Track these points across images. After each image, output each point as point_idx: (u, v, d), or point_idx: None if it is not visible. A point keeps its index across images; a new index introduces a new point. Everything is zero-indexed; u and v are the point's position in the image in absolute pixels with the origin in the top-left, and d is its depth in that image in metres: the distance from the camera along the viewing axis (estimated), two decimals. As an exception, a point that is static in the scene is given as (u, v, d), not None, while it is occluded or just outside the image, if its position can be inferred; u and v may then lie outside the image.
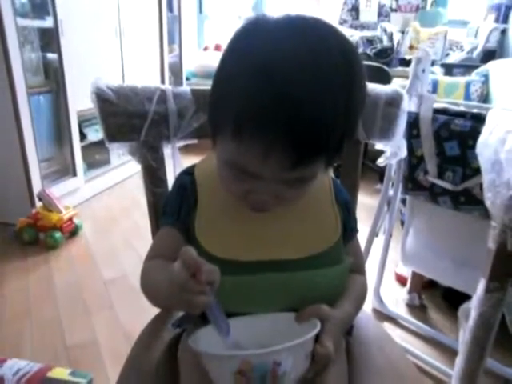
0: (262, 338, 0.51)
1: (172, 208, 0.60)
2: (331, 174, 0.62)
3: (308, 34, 0.44)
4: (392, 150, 0.76)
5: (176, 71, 3.50)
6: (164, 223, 0.61)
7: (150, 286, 0.58)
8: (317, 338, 0.49)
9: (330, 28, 0.47)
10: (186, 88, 0.71)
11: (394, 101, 0.73)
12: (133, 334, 0.71)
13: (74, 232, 2.05)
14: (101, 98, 0.66)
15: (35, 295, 1.60)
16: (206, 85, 0.55)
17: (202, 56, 3.76)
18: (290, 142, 0.42)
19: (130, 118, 0.67)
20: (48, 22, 2.10)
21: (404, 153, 0.76)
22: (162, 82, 3.23)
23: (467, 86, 2.19)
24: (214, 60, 3.52)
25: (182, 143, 0.72)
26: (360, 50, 2.91)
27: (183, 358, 0.58)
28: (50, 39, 2.16)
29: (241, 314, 0.54)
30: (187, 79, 3.61)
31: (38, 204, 2.01)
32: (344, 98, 0.44)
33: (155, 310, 0.78)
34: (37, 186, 2.04)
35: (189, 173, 0.61)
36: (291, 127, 0.41)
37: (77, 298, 1.60)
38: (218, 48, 3.87)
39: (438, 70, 2.53)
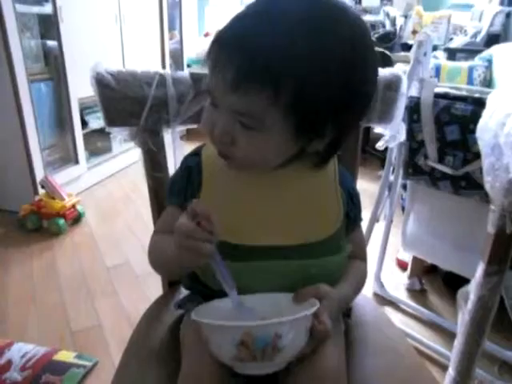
0: (263, 317, 0.52)
1: (178, 189, 0.61)
2: (336, 161, 0.62)
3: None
4: (391, 134, 0.76)
5: (177, 58, 3.48)
6: (171, 202, 0.63)
7: (157, 252, 0.61)
8: (315, 316, 0.50)
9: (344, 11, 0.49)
10: (185, 72, 0.71)
11: (393, 84, 0.72)
12: (136, 318, 0.73)
13: (76, 219, 2.07)
14: (100, 82, 0.66)
15: (40, 281, 1.62)
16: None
17: (203, 42, 3.72)
18: (233, 60, 0.46)
19: (129, 103, 0.68)
20: (47, 8, 2.08)
21: (403, 136, 0.76)
22: (163, 68, 3.20)
23: (470, 70, 2.16)
24: (215, 46, 3.48)
25: (182, 128, 0.72)
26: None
27: (185, 338, 0.59)
28: (49, 26, 2.15)
29: None
30: (188, 66, 3.59)
31: (41, 191, 2.03)
32: (324, 58, 0.46)
33: (157, 295, 0.80)
34: (39, 174, 2.05)
35: (196, 154, 0.62)
36: (237, 49, 0.46)
37: (81, 284, 1.62)
38: (218, 34, 3.81)
39: (441, 55, 2.50)
